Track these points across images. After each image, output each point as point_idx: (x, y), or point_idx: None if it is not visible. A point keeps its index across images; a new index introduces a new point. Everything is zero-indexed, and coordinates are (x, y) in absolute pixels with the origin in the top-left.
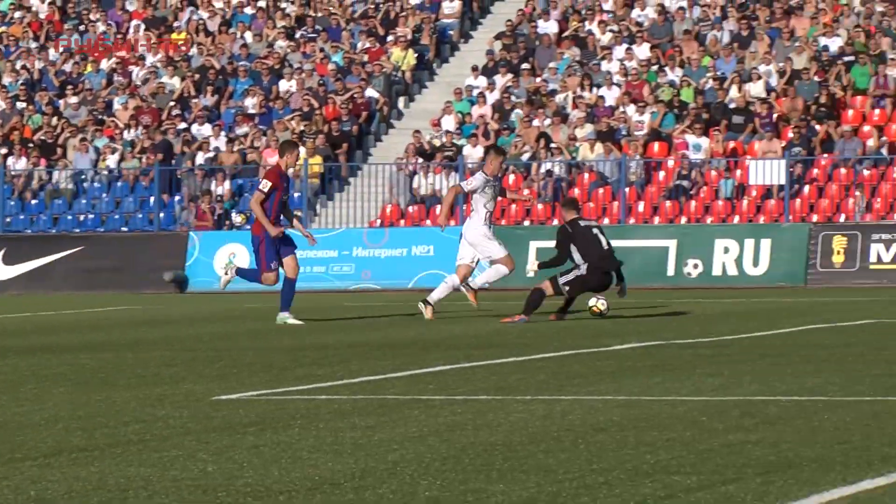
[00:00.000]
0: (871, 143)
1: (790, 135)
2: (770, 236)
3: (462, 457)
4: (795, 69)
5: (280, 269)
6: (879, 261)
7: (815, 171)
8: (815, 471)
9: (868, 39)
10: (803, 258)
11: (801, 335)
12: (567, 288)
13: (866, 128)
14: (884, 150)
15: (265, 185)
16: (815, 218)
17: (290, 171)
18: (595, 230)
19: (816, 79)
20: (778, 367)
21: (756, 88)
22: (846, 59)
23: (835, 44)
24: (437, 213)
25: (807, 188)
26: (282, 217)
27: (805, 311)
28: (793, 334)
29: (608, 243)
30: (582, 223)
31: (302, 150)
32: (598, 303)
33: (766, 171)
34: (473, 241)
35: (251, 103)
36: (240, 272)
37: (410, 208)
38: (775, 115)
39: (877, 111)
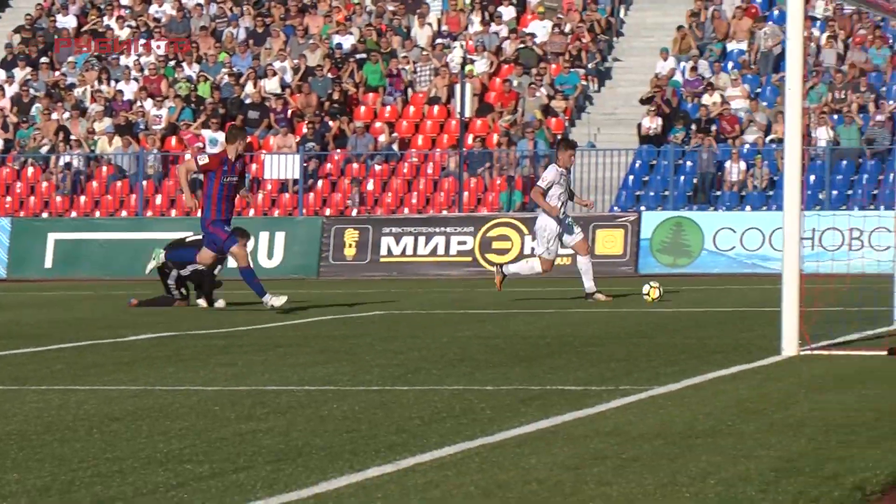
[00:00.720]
0: (382, 138)
1: (304, 130)
2: (284, 229)
3: None
4: (310, 66)
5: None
6: (390, 253)
7: (329, 165)
8: (324, 458)
9: (380, 38)
10: (316, 251)
11: (313, 326)
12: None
13: (378, 124)
14: (395, 146)
15: (203, 158)
16: (328, 212)
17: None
18: None
19: (330, 75)
20: (290, 358)
21: (271, 84)
22: (359, 56)
23: (348, 41)
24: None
25: (320, 182)
26: (226, 205)
27: (317, 303)
28: (305, 325)
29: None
30: None
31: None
32: (651, 289)
33: (281, 165)
34: (539, 229)
35: None
36: (170, 257)
37: None
38: (290, 111)
39: (388, 108)
